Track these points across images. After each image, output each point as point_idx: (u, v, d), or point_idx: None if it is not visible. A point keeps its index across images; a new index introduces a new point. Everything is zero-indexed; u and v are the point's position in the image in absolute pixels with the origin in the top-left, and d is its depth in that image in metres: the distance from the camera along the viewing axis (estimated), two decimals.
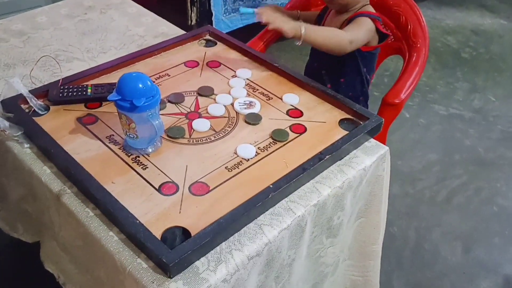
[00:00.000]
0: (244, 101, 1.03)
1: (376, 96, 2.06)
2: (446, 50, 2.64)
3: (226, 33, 1.77)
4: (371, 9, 1.21)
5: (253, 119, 0.99)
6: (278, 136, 0.95)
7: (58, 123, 0.96)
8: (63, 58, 1.19)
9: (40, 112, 0.98)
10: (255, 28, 1.39)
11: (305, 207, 0.84)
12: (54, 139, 0.91)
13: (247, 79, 1.11)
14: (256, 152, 0.92)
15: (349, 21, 1.18)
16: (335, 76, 1.26)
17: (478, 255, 1.54)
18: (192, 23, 1.78)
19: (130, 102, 0.83)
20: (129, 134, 0.88)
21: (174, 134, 0.94)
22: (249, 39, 1.43)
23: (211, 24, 1.85)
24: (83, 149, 0.90)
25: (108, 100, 0.85)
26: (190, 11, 1.74)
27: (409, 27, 1.36)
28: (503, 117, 2.15)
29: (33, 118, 0.96)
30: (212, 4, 1.78)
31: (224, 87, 1.08)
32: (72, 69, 1.15)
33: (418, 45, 1.34)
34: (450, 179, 1.80)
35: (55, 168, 0.88)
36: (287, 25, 1.05)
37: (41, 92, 1.02)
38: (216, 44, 1.25)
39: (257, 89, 1.08)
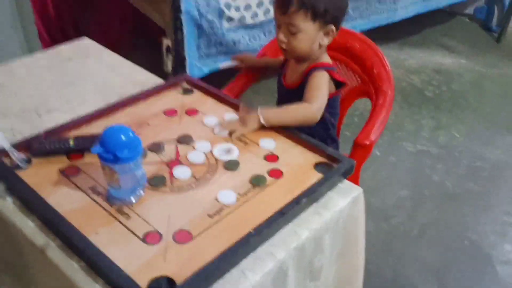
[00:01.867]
0: (223, 148, 1.07)
1: (347, 136, 2.14)
2: (411, 89, 2.76)
3: (201, 77, 1.83)
4: (327, 58, 1.26)
5: (232, 166, 1.02)
6: (257, 182, 0.99)
7: (40, 176, 0.98)
8: (43, 110, 1.22)
9: (22, 165, 1.00)
10: (229, 70, 1.46)
11: (285, 251, 0.87)
12: (37, 192, 0.92)
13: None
14: (237, 198, 0.95)
15: (306, 74, 1.22)
16: None
17: None
18: (168, 70, 1.83)
19: (113, 154, 0.86)
20: (112, 185, 0.91)
21: (155, 182, 0.97)
22: (224, 81, 1.48)
23: (185, 70, 1.91)
24: (66, 201, 0.92)
25: (92, 152, 0.87)
26: (165, 58, 1.80)
27: (375, 71, 1.44)
28: (467, 152, 2.25)
29: (15, 172, 0.98)
30: (186, 51, 1.84)
31: (203, 134, 1.12)
32: (52, 121, 1.17)
33: (384, 88, 1.42)
34: (421, 214, 1.86)
35: (39, 221, 0.89)
36: (248, 127, 1.11)
37: (23, 145, 1.04)
38: (193, 91, 1.29)
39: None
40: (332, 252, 1.02)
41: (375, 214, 1.81)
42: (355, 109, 2.40)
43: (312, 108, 1.15)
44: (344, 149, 1.37)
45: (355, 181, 1.33)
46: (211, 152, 1.06)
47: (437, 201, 1.94)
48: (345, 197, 1.00)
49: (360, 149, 1.30)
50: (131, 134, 0.88)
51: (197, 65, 1.94)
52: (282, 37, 1.19)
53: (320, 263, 0.97)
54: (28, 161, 1.01)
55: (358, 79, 1.49)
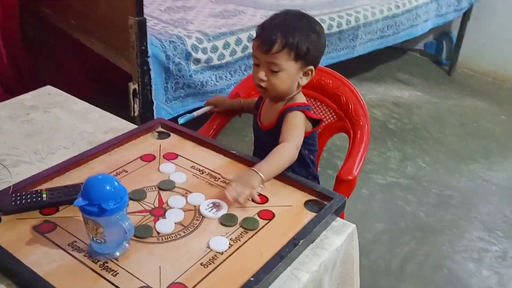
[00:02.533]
0: (208, 205, 1.00)
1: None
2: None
3: (168, 120, 1.78)
4: (301, 97, 1.24)
5: (229, 221, 0.96)
6: (248, 225, 0.94)
7: (12, 235, 0.89)
8: (8, 162, 1.13)
9: None
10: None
11: None
12: (11, 253, 0.84)
13: (207, 168, 1.11)
14: (229, 243, 0.90)
15: (281, 114, 1.20)
16: None
17: None
18: (135, 114, 1.78)
19: (98, 206, 0.80)
20: (96, 239, 0.84)
21: (141, 233, 0.90)
22: (193, 123, 1.44)
23: (152, 113, 1.86)
24: (45, 261, 0.84)
25: (75, 206, 0.80)
26: (132, 103, 1.74)
27: (350, 106, 1.45)
28: (435, 181, 2.29)
29: None
30: (153, 94, 1.80)
31: (184, 178, 1.07)
32: (20, 174, 1.09)
33: (361, 123, 1.42)
34: (399, 246, 1.85)
35: (15, 286, 0.80)
36: (254, 189, 1.00)
37: None
38: (169, 135, 1.25)
39: (218, 178, 1.08)
40: None
41: None
42: (331, 142, 2.40)
43: (291, 147, 1.12)
44: (326, 186, 1.35)
45: (341, 216, 1.32)
46: (198, 208, 0.99)
47: (413, 232, 1.94)
48: (340, 235, 0.97)
49: (344, 184, 1.28)
50: (116, 184, 0.82)
51: (165, 108, 1.89)
52: (262, 75, 1.17)
53: None
54: None
55: (334, 115, 1.49)
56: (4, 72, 2.41)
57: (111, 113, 1.37)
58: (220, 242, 0.90)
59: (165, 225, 0.93)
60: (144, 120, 1.82)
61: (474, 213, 2.09)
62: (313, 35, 1.15)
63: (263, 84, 1.18)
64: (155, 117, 1.86)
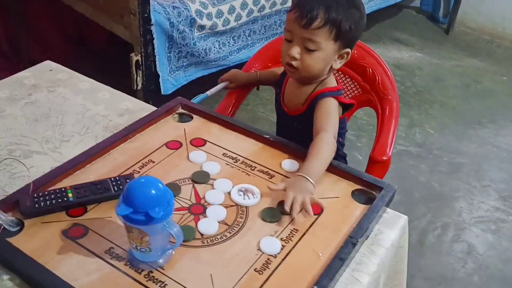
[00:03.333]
0: (240, 189, 0.92)
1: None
2: None
3: (172, 91, 1.67)
4: (332, 80, 1.14)
5: (272, 216, 0.87)
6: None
7: (40, 242, 0.80)
8: (19, 153, 1.02)
9: (12, 230, 0.81)
10: (199, 81, 1.32)
11: None
12: (40, 264, 0.75)
13: (240, 156, 1.02)
14: (282, 245, 0.82)
15: (311, 100, 1.11)
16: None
17: None
18: (138, 88, 1.65)
19: (145, 213, 0.70)
20: (140, 248, 0.75)
21: (184, 237, 0.82)
22: (195, 92, 1.33)
23: (158, 86, 1.74)
24: (81, 272, 0.75)
25: (118, 215, 0.71)
26: (135, 75, 1.62)
27: (377, 79, 1.36)
28: (445, 149, 2.24)
29: (6, 239, 0.79)
30: (158, 65, 1.67)
31: (218, 168, 0.98)
32: (35, 166, 0.98)
33: (390, 97, 1.34)
34: (416, 219, 1.82)
35: None
36: (309, 193, 0.89)
37: (9, 204, 0.85)
38: (192, 118, 1.14)
39: (255, 167, 0.99)
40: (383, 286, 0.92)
41: None
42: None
43: (330, 138, 1.01)
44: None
45: None
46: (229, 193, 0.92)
47: (428, 203, 1.90)
48: (394, 229, 0.90)
49: (379, 165, 1.21)
50: (161, 186, 0.73)
51: (169, 79, 1.77)
52: (295, 52, 1.05)
53: None
54: (19, 223, 0.83)
55: (359, 88, 1.40)
56: None
57: (99, 82, 1.25)
58: (272, 243, 0.82)
59: (208, 225, 0.85)
60: (147, 93, 1.71)
61: (487, 181, 2.06)
62: (356, 13, 1.04)
63: (294, 63, 1.06)
64: (162, 91, 1.74)
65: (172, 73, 1.78)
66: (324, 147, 0.98)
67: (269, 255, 0.80)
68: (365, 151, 2.16)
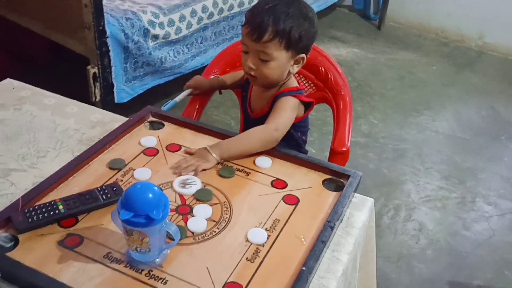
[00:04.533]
0: (183, 180, 1.00)
1: None
2: None
3: (129, 100, 1.71)
4: (293, 82, 1.22)
5: (203, 196, 0.97)
6: (278, 214, 0.94)
7: (38, 254, 0.83)
8: None
9: (6, 245, 0.84)
10: (157, 89, 1.37)
11: (335, 280, 0.84)
12: (45, 274, 0.78)
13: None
14: (268, 235, 0.90)
15: (272, 101, 1.18)
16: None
17: (421, 269, 1.68)
18: (97, 99, 1.67)
19: (145, 216, 0.76)
20: (140, 249, 0.80)
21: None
22: (153, 100, 1.39)
23: (113, 96, 1.76)
24: (84, 278, 0.79)
25: (121, 219, 0.76)
26: (93, 88, 1.63)
27: (330, 76, 1.46)
28: (389, 137, 2.40)
29: (6, 255, 0.82)
30: (113, 75, 1.69)
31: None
32: (16, 184, 1.00)
33: (342, 93, 1.45)
34: None
35: None
36: (202, 165, 1.03)
37: (1, 222, 0.87)
38: (163, 125, 1.19)
39: (231, 166, 1.06)
40: (359, 265, 1.02)
41: None
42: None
43: (267, 129, 1.10)
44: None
45: None
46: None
47: (380, 187, 2.04)
48: (363, 211, 1.00)
49: (339, 156, 1.32)
50: (156, 190, 0.78)
51: (125, 89, 1.80)
52: (251, 64, 1.13)
53: (354, 281, 0.97)
54: (13, 239, 0.85)
55: (313, 86, 1.50)
56: None
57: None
58: (258, 234, 0.89)
59: (197, 224, 0.91)
60: (105, 104, 1.73)
61: (430, 164, 2.23)
62: (306, 22, 1.11)
63: (252, 73, 1.15)
64: (115, 100, 1.77)
65: (128, 82, 1.81)
66: (249, 135, 1.09)
67: (257, 244, 0.88)
68: (317, 145, 2.28)
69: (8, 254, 0.82)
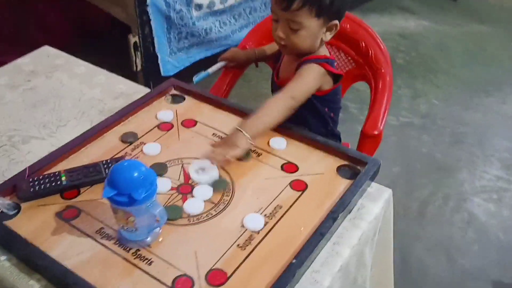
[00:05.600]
0: (200, 167, 0.94)
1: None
2: None
3: (175, 73, 1.69)
4: (323, 50, 1.15)
5: (218, 185, 0.92)
6: (282, 200, 0.89)
7: (35, 224, 0.84)
8: (18, 139, 1.06)
9: (9, 213, 0.86)
10: (203, 63, 1.34)
11: (330, 276, 0.79)
12: (36, 246, 0.79)
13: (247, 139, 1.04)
14: (265, 221, 0.85)
15: (298, 67, 1.11)
16: (297, 121, 1.13)
17: (463, 264, 1.57)
18: (138, 69, 1.68)
19: (128, 195, 0.74)
20: (127, 228, 0.79)
21: (171, 216, 0.85)
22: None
23: (158, 68, 1.76)
24: (73, 252, 0.79)
25: (104, 197, 0.75)
26: (134, 57, 1.64)
27: (370, 52, 1.36)
28: (449, 119, 2.23)
29: (4, 223, 0.84)
30: (156, 46, 1.69)
31: (207, 148, 1.01)
32: (32, 151, 1.03)
33: (382, 71, 1.34)
34: (417, 190, 1.83)
35: (44, 281, 0.76)
36: (235, 151, 0.95)
37: (6, 188, 0.89)
38: (184, 99, 1.17)
39: None
40: (371, 261, 0.95)
41: None
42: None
43: (284, 96, 1.04)
44: (348, 140, 1.31)
45: None
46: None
47: (430, 174, 1.91)
48: (378, 202, 0.93)
49: (370, 139, 1.23)
50: (144, 169, 0.76)
51: (170, 61, 1.79)
52: (280, 33, 1.07)
53: (363, 278, 0.90)
54: (16, 207, 0.87)
55: (352, 62, 1.40)
56: None
57: (101, 63, 1.27)
58: (255, 220, 0.85)
59: (193, 205, 0.88)
60: (147, 74, 1.73)
61: (491, 151, 2.05)
62: None
63: (282, 42, 1.09)
64: (161, 73, 1.77)
65: (173, 54, 1.80)
66: (269, 106, 1.03)
67: (252, 231, 0.83)
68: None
69: (8, 222, 0.84)
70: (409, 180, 1.87)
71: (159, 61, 1.70)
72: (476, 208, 1.78)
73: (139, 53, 1.64)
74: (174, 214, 0.86)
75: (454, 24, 3.12)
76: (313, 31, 1.06)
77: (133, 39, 1.61)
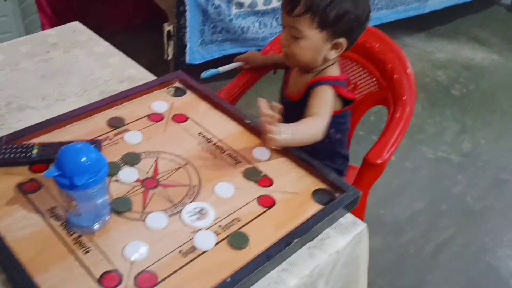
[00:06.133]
0: (194, 209, 0.84)
1: (362, 137, 1.98)
2: (436, 86, 2.57)
3: (202, 63, 1.67)
4: (334, 70, 1.09)
5: (239, 242, 0.79)
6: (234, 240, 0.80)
7: None
8: (14, 106, 1.09)
9: None
10: (233, 58, 1.32)
11: None
12: None
13: (215, 137, 1.01)
14: (217, 232, 0.81)
15: (309, 86, 1.06)
16: None
17: None
18: (169, 57, 1.69)
19: (70, 179, 0.72)
20: (71, 212, 0.77)
21: (118, 207, 0.82)
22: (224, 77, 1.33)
23: (185, 56, 1.75)
24: (19, 225, 0.79)
25: (45, 176, 0.74)
26: (167, 45, 1.65)
27: (395, 76, 1.27)
28: (492, 162, 2.07)
29: None
30: (187, 36, 1.69)
31: (189, 146, 0.98)
32: (23, 120, 1.04)
33: (404, 97, 1.25)
34: (436, 231, 1.70)
35: None
36: (279, 141, 0.89)
37: None
38: (185, 93, 1.15)
39: (225, 150, 0.98)
40: None
41: (384, 228, 1.66)
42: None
43: (322, 123, 0.99)
44: (357, 156, 1.22)
45: (363, 203, 1.19)
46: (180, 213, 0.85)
47: (455, 217, 1.77)
48: (346, 235, 0.85)
49: (371, 168, 1.15)
50: (93, 156, 0.74)
51: (200, 51, 1.78)
52: (283, 39, 1.03)
53: None
54: None
55: (377, 84, 1.32)
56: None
57: (147, 54, 1.27)
58: (206, 238, 0.79)
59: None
60: (178, 64, 1.73)
61: None
62: (348, 2, 0.98)
63: (284, 50, 1.04)
64: (186, 60, 1.76)
65: (204, 45, 1.79)
66: (311, 124, 0.97)
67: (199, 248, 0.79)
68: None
69: None
70: (430, 219, 1.74)
71: (187, 50, 1.70)
72: (496, 262, 1.63)
73: (172, 42, 1.65)
74: (123, 206, 0.83)
75: None
76: (314, 44, 1.01)
77: (168, 27, 1.62)
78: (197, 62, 1.76)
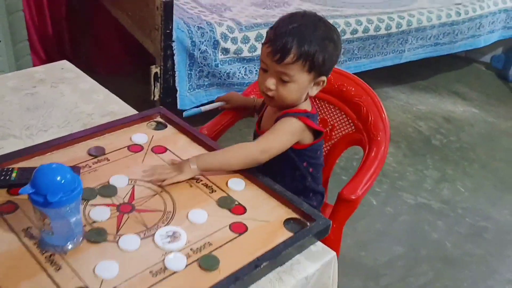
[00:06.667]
0: (167, 233, 0.86)
1: (345, 181, 2.01)
2: (417, 136, 2.64)
3: (192, 107, 1.72)
4: (306, 105, 1.14)
5: (210, 264, 0.81)
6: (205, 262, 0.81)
7: None
8: None
9: None
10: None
11: None
12: None
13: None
14: (188, 254, 0.82)
15: (275, 120, 1.11)
16: (273, 173, 1.08)
17: None
18: (155, 98, 1.74)
19: (44, 196, 0.74)
20: (44, 230, 0.79)
21: (93, 238, 0.83)
22: (216, 113, 1.37)
23: (175, 101, 1.81)
24: None
25: (20, 193, 0.76)
26: (153, 87, 1.71)
27: (370, 119, 1.33)
28: (471, 210, 2.10)
29: None
30: (177, 81, 1.75)
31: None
32: (5, 147, 1.07)
33: (379, 138, 1.30)
34: (414, 276, 1.71)
35: None
36: (176, 176, 0.98)
37: None
38: (166, 127, 1.19)
39: (201, 180, 1.01)
40: None
41: (363, 272, 1.65)
42: (355, 153, 2.27)
43: (253, 147, 1.04)
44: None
45: (337, 239, 1.21)
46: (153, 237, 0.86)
47: (433, 262, 1.78)
48: (316, 263, 0.87)
49: (345, 203, 1.17)
50: (68, 175, 0.77)
51: (188, 96, 1.84)
52: (270, 84, 1.07)
53: None
54: None
55: (352, 126, 1.37)
56: (47, 40, 2.45)
57: (134, 96, 1.32)
58: (177, 259, 0.81)
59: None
60: (163, 105, 1.78)
61: (508, 252, 1.89)
62: (330, 44, 1.05)
63: (270, 93, 1.09)
64: (178, 106, 1.82)
65: (192, 90, 1.85)
66: (234, 149, 1.04)
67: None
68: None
69: None
70: (408, 264, 1.75)
71: (178, 95, 1.76)
72: None
73: (158, 84, 1.71)
74: (98, 237, 0.84)
75: (506, 117, 2.99)
76: (302, 85, 1.07)
77: (155, 70, 1.68)
78: (187, 108, 1.81)
